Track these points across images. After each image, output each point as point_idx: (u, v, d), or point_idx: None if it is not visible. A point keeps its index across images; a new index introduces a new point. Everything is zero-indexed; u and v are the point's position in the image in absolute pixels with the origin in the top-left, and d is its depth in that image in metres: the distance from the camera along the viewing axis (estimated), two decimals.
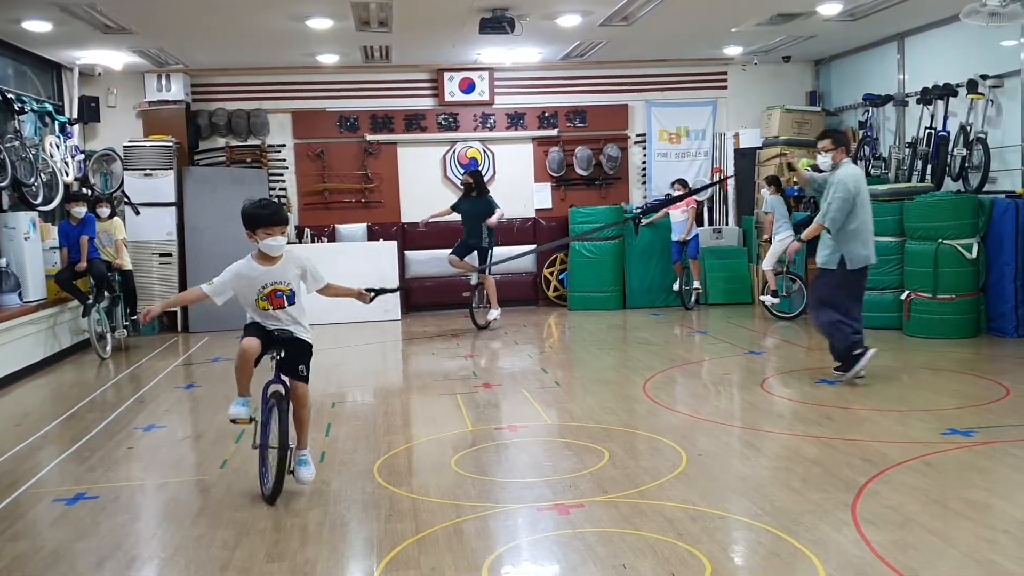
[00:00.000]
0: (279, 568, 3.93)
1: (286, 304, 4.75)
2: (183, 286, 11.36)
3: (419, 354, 9.60)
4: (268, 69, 12.30)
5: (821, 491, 4.63)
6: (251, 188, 11.51)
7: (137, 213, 11.32)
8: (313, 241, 12.13)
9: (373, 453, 5.69)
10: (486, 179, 12.89)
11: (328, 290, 5.02)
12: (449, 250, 10.89)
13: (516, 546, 4.09)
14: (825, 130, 9.34)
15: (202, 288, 4.76)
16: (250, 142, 12.47)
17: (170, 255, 11.50)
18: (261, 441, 4.79)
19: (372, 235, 12.51)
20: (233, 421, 4.92)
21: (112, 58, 10.94)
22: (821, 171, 7.25)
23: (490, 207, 10.63)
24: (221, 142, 12.45)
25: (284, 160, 12.60)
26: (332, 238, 12.38)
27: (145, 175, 11.41)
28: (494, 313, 10.82)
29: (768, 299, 10.81)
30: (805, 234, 7.38)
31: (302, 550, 4.12)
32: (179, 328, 11.52)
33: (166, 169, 11.45)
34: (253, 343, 4.68)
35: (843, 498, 4.51)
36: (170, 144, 11.51)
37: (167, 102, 11.90)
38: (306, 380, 4.82)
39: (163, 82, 11.86)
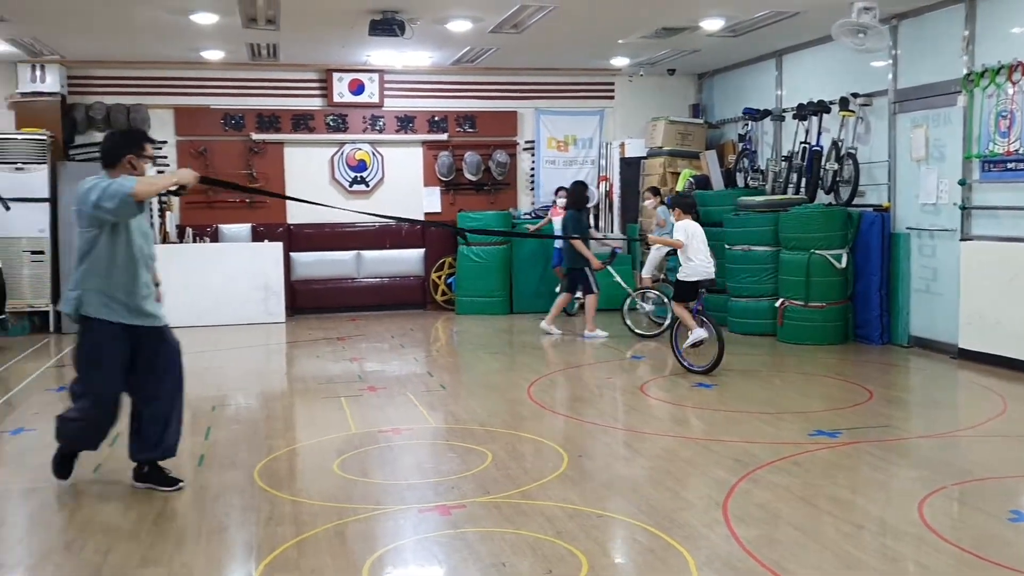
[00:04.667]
0: (154, 573, 3.84)
1: None
2: (55, 285, 10.91)
3: (303, 357, 9.48)
4: (150, 63, 11.93)
5: (694, 490, 4.80)
6: None
7: (7, 208, 10.79)
8: (195, 241, 11.81)
9: (254, 456, 5.60)
10: (373, 182, 12.88)
11: None
12: (331, 252, 10.46)
13: (397, 547, 4.11)
14: None
15: None
16: None
17: (42, 252, 11.01)
18: None
19: (257, 236, 12.26)
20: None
21: None
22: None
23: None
24: (99, 137, 11.96)
25: (166, 157, 12.21)
26: (215, 238, 12.06)
27: (16, 169, 10.90)
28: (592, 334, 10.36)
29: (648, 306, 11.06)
30: None
31: (178, 554, 4.03)
32: (51, 329, 11.04)
33: (39, 163, 10.97)
34: None
35: (715, 496, 4.69)
36: (44, 138, 11.03)
37: (41, 94, 11.39)
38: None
39: (37, 73, 11.35)
